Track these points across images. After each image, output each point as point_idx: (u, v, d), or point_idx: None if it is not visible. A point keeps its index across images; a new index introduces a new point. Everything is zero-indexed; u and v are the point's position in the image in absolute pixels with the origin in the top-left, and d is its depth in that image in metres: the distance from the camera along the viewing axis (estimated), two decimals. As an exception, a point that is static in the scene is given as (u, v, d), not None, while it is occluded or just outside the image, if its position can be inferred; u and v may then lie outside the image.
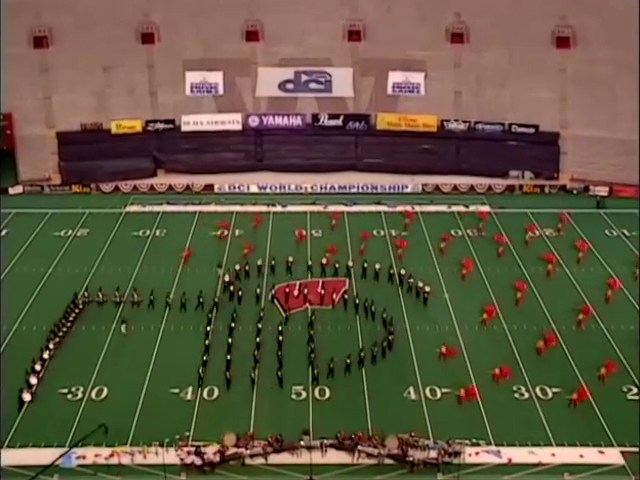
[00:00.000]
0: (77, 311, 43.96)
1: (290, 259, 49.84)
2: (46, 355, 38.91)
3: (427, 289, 46.39)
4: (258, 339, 41.01)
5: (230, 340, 40.64)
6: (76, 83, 68.15)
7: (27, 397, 35.92)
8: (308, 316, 43.93)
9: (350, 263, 49.80)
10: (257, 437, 33.12)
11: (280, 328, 41.90)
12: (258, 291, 46.14)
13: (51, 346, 39.71)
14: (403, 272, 48.42)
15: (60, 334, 41.36)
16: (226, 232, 55.36)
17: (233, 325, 42.36)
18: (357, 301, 44.98)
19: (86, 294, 45.44)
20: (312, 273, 49.23)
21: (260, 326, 42.37)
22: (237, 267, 48.63)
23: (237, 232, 56.45)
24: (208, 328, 42.65)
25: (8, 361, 39.43)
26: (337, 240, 54.36)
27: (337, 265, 49.58)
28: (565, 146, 67.39)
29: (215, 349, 40.53)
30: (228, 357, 38.93)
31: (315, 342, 40.80)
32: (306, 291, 46.49)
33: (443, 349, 39.72)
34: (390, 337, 40.85)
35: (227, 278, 47.25)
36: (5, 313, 44.03)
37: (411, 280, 47.45)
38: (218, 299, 45.46)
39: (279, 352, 39.58)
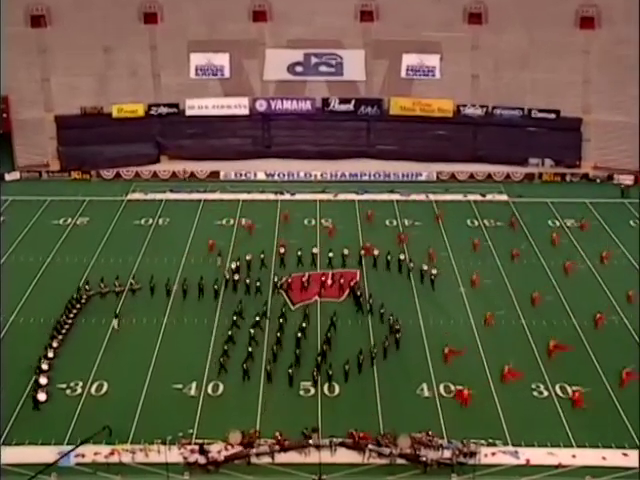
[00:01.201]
0: (79, 306, 43.75)
1: (299, 250, 49.70)
2: (51, 354, 38.77)
3: (433, 272, 46.65)
4: (265, 333, 40.97)
5: (252, 331, 40.72)
6: (75, 64, 68.04)
7: (42, 397, 35.87)
8: (317, 309, 43.79)
9: (362, 252, 50.06)
10: (262, 434, 33.13)
11: (286, 322, 41.91)
12: (264, 282, 45.93)
13: (55, 344, 39.60)
14: (411, 263, 48.54)
15: (63, 331, 41.23)
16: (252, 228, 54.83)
17: (242, 317, 42.44)
18: (360, 295, 44.82)
19: (87, 287, 45.34)
20: (321, 264, 49.09)
21: (267, 320, 42.32)
22: (247, 257, 48.42)
23: (243, 221, 56.39)
24: (229, 319, 42.73)
25: (5, 354, 39.50)
26: (348, 229, 54.22)
27: (346, 253, 49.68)
28: (588, 132, 66.88)
29: (220, 342, 40.54)
30: (250, 349, 38.98)
31: (324, 336, 40.65)
32: (315, 283, 46.37)
33: (446, 350, 39.31)
34: (397, 335, 40.53)
35: (233, 265, 47.23)
36: (1, 304, 44.09)
37: (411, 265, 48.00)
38: (218, 287, 45.52)
39: (275, 346, 39.54)
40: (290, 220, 56.05)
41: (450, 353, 39.14)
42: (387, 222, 56.39)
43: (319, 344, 40.02)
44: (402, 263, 48.77)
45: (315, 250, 50.17)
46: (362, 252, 50.07)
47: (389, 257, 49.03)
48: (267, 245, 51.20)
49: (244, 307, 43.60)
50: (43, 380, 36.70)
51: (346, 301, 45.10)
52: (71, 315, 42.75)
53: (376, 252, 49.47)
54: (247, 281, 45.88)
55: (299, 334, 40.43)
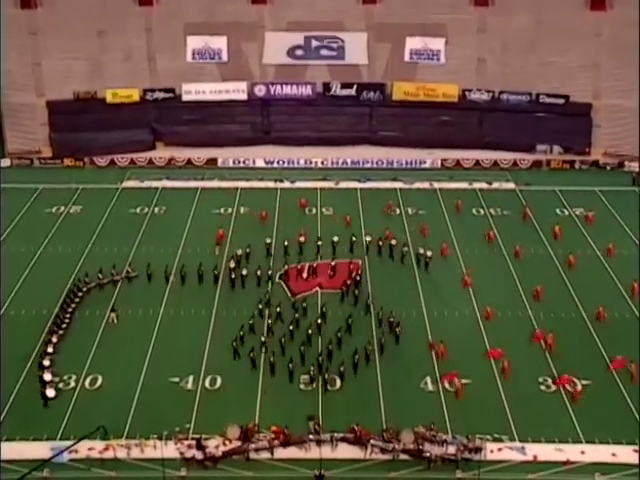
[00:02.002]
0: (77, 300, 43.45)
1: (301, 239, 49.55)
2: (51, 349, 38.56)
3: (429, 254, 47.20)
4: (264, 325, 40.94)
5: (270, 321, 40.88)
6: (68, 48, 67.88)
7: (51, 393, 35.75)
8: (317, 300, 43.71)
9: (368, 238, 50.10)
10: (262, 428, 33.13)
11: (285, 313, 41.94)
12: (263, 273, 45.84)
13: (55, 340, 39.37)
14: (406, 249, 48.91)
15: (64, 326, 40.99)
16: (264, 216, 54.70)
17: (268, 306, 42.62)
18: (358, 287, 44.75)
19: (86, 279, 45.08)
20: (322, 254, 48.97)
21: (267, 311, 42.30)
22: (247, 249, 48.31)
23: (242, 210, 56.23)
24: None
25: (-3, 346, 39.52)
26: (350, 218, 54.16)
27: (353, 239, 49.73)
28: (598, 118, 66.75)
29: (218, 335, 40.58)
30: (262, 339, 39.08)
31: (324, 329, 40.59)
32: (316, 273, 46.32)
33: (440, 347, 39.08)
34: (397, 329, 40.32)
35: (239, 252, 47.09)
36: (-4, 295, 44.13)
37: (405, 249, 48.46)
38: (217, 277, 45.60)
39: (283, 339, 39.46)
40: (306, 208, 56.06)
41: (439, 350, 38.89)
42: (390, 211, 56.16)
43: (320, 338, 39.96)
44: (405, 253, 48.75)
45: (318, 240, 49.99)
46: (367, 240, 49.97)
47: (393, 246, 49.10)
48: (266, 235, 51.03)
49: (242, 299, 43.51)
50: (47, 376, 36.50)
51: (348, 292, 44.92)
52: (69, 309, 42.48)
53: (394, 242, 49.51)
54: (243, 272, 45.61)
55: (291, 327, 40.46)
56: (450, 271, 47.44)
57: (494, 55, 69.55)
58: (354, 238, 49.97)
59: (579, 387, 36.56)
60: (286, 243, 49.38)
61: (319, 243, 49.64)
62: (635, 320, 42.38)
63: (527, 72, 68.23)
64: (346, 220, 53.34)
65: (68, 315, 41.91)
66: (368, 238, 50.11)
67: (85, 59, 68.40)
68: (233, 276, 45.62)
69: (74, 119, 66.46)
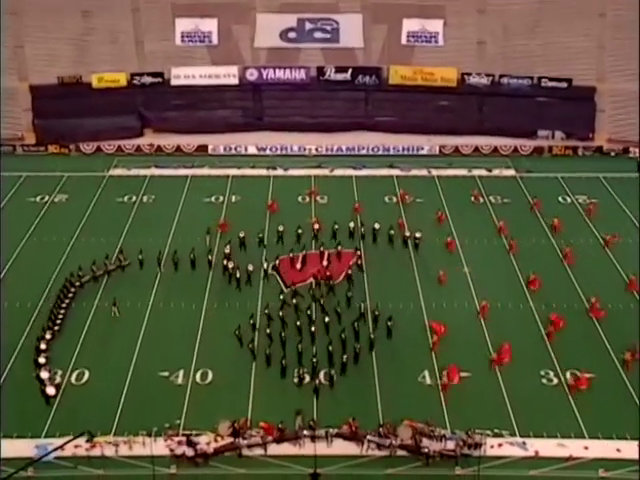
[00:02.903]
0: (71, 295, 42.92)
1: (298, 229, 49.38)
2: (44, 346, 38.20)
3: (417, 235, 47.83)
4: (257, 317, 40.89)
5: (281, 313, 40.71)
6: (51, 29, 67.56)
7: (51, 391, 35.56)
8: (312, 291, 43.62)
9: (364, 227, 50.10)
10: (254, 424, 33.16)
11: (278, 304, 41.87)
12: (256, 264, 45.65)
13: (48, 336, 39.00)
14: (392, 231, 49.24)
15: (58, 321, 40.60)
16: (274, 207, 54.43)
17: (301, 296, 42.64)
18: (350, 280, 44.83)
19: (80, 273, 44.67)
20: (317, 243, 48.90)
21: (259, 303, 42.24)
22: (240, 238, 48.21)
23: (234, 198, 56.07)
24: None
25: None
26: (344, 207, 54.01)
27: (352, 228, 49.78)
28: (602, 102, 66.63)
29: (209, 327, 40.52)
30: (268, 331, 39.01)
31: (319, 321, 40.48)
32: (310, 263, 46.23)
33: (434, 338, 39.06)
34: (389, 323, 40.21)
35: (227, 250, 46.78)
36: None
37: (392, 232, 48.79)
38: (210, 267, 45.62)
39: (282, 333, 39.41)
40: (317, 197, 55.90)
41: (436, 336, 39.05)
42: (386, 199, 56.09)
43: (314, 330, 39.74)
44: (407, 239, 49.07)
45: (315, 227, 49.99)
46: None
47: (391, 233, 49.19)
48: (259, 225, 50.95)
49: (235, 292, 43.53)
50: (44, 374, 36.23)
51: (342, 283, 44.91)
52: (64, 305, 42.02)
53: (377, 226, 49.72)
54: (235, 264, 45.42)
55: (284, 319, 40.45)
56: (449, 260, 47.36)
57: (494, 37, 69.33)
58: (351, 225, 49.83)
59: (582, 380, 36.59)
60: (317, 227, 49.72)
61: (313, 230, 49.59)
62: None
63: (528, 55, 68.05)
64: (355, 207, 53.28)
65: (62, 311, 41.48)
66: (365, 227, 49.95)
67: (69, 42, 67.97)
68: (225, 267, 45.50)
69: (59, 104, 65.97)
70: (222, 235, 49.71)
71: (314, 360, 37.19)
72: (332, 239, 48.96)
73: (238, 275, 44.45)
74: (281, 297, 42.75)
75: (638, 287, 44.24)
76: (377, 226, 49.58)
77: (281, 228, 49.34)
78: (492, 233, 50.93)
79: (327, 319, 40.33)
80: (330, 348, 37.87)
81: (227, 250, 46.45)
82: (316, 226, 49.95)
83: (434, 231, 50.60)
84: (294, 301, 42.03)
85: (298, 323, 40.05)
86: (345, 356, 37.37)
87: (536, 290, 44.02)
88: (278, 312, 40.99)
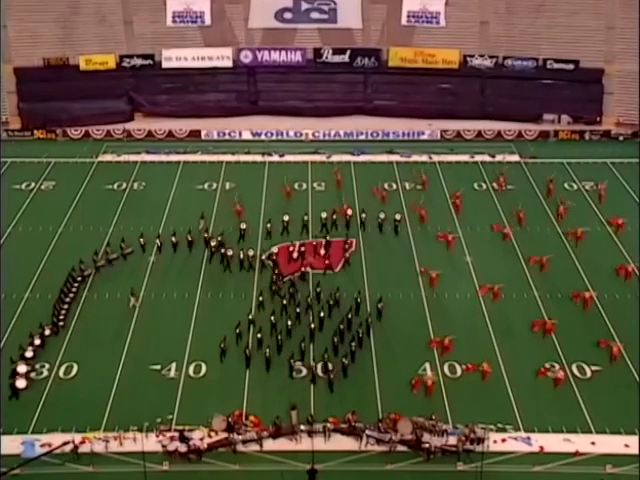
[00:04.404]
0: (74, 290, 42.66)
1: (286, 217, 49.22)
2: (38, 341, 38.03)
3: (397, 217, 48.68)
4: (251, 308, 40.92)
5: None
6: (36, 8, 67.15)
7: (22, 384, 35.39)
8: (308, 281, 43.64)
9: (364, 216, 50.03)
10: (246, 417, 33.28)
11: (274, 295, 42.05)
12: (251, 253, 45.60)
13: (47, 332, 38.75)
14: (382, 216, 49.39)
15: (61, 317, 40.28)
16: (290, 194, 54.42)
17: (221, 294, 42.49)
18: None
19: (82, 266, 44.36)
20: (312, 232, 48.89)
21: (254, 294, 42.18)
22: (238, 227, 48.19)
23: (227, 185, 56.00)
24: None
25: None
26: (341, 194, 54.07)
27: (348, 218, 49.72)
28: (610, 85, 66.47)
29: (203, 318, 40.56)
30: (259, 335, 38.30)
31: (316, 311, 40.51)
32: (307, 253, 46.17)
33: (446, 340, 38.47)
34: (379, 305, 40.56)
35: (214, 243, 46.52)
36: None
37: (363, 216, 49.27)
38: (211, 249, 45.70)
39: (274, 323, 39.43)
40: (342, 184, 55.64)
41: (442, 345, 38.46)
42: (386, 185, 55.98)
43: (311, 321, 39.80)
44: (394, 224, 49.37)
45: (306, 217, 49.82)
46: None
47: (396, 223, 49.34)
48: (253, 213, 50.95)
49: (229, 282, 43.50)
50: (22, 368, 36.13)
51: (341, 273, 44.85)
52: (67, 299, 41.69)
53: (398, 216, 49.63)
54: (229, 253, 45.25)
55: (280, 310, 40.60)
56: (450, 249, 47.47)
57: (498, 17, 69.04)
58: (349, 213, 49.79)
59: (589, 374, 36.77)
60: (350, 213, 49.88)
61: (307, 219, 49.49)
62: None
63: (534, 35, 67.83)
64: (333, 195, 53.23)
65: (66, 306, 41.23)
66: (363, 215, 49.90)
67: (55, 22, 67.49)
68: (218, 256, 45.43)
69: (45, 87, 65.76)
70: (240, 220, 49.44)
71: (311, 344, 37.57)
72: (321, 228, 48.94)
73: (230, 253, 44.83)
74: (275, 287, 42.76)
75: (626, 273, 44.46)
76: (382, 216, 49.40)
77: (286, 218, 49.01)
78: (495, 220, 50.79)
79: (324, 310, 40.36)
80: (332, 340, 38.02)
81: (214, 244, 46.15)
82: (349, 212, 49.92)
83: (434, 219, 50.56)
84: (290, 291, 42.02)
85: (293, 314, 40.07)
86: (345, 355, 37.28)
87: (537, 264, 44.45)
88: (274, 303, 41.10)
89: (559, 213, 51.16)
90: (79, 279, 43.53)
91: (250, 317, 39.96)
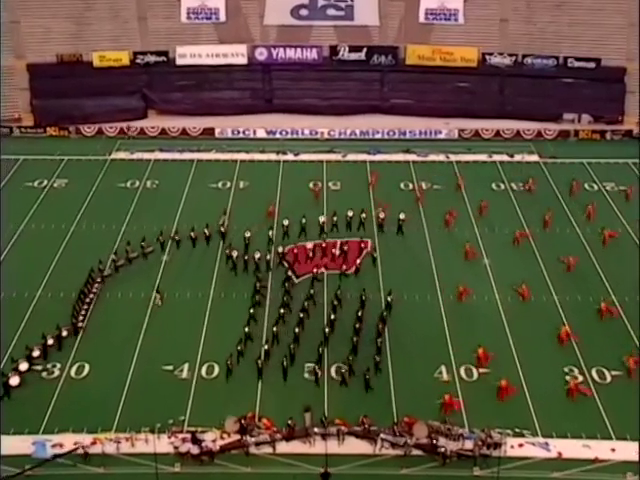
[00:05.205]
0: (95, 290, 42.68)
1: (303, 218, 49.13)
2: (51, 341, 37.99)
3: (401, 216, 48.37)
4: (265, 310, 41.00)
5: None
6: (50, 4, 67.43)
7: (15, 381, 35.47)
8: (323, 282, 43.64)
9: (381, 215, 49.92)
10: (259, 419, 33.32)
11: (288, 296, 41.94)
12: (263, 253, 45.58)
13: (65, 333, 38.72)
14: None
15: (80, 318, 40.27)
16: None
17: (234, 294, 42.46)
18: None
19: (100, 267, 44.43)
20: (329, 232, 48.82)
21: (267, 294, 42.28)
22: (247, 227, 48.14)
23: (241, 184, 56.02)
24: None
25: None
26: (357, 193, 53.96)
27: (363, 218, 49.60)
28: (632, 84, 66.20)
29: (216, 318, 40.62)
30: (266, 347, 37.86)
31: (330, 313, 40.42)
32: (322, 253, 46.20)
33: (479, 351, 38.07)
34: (389, 298, 40.87)
35: (247, 234, 46.62)
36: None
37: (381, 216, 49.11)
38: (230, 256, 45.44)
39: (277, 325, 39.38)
40: (377, 183, 55.55)
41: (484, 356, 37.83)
42: (402, 185, 55.91)
43: (325, 322, 39.86)
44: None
45: (322, 217, 49.74)
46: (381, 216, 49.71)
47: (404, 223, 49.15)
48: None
49: (241, 283, 43.46)
50: (23, 366, 36.33)
51: (355, 274, 44.82)
52: (87, 300, 41.74)
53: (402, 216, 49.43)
54: (239, 253, 45.40)
55: (295, 311, 40.52)
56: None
57: (518, 14, 68.82)
58: (363, 215, 49.72)
59: (609, 379, 36.53)
60: (382, 216, 49.66)
61: (322, 219, 49.38)
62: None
63: (554, 33, 67.60)
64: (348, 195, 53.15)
65: (85, 307, 41.26)
66: (381, 215, 49.76)
67: (69, 18, 67.80)
68: (232, 256, 45.39)
69: (58, 84, 66.15)
70: (271, 220, 49.55)
71: (325, 345, 37.59)
72: (347, 229, 49.02)
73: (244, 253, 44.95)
74: (289, 287, 42.79)
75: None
76: (402, 216, 49.22)
77: (382, 215, 49.16)
78: (514, 221, 50.63)
79: (338, 311, 40.36)
80: (350, 340, 38.06)
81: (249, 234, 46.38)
82: (381, 215, 49.65)
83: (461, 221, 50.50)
84: (310, 292, 42.09)
85: (308, 315, 40.08)
86: (350, 357, 37.22)
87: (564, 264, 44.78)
88: (284, 301, 41.21)
89: (588, 213, 50.88)
90: (99, 280, 43.57)
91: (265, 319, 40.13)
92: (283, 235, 48.10)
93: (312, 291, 42.30)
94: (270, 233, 47.62)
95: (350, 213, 49.43)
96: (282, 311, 40.35)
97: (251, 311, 40.35)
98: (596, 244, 47.96)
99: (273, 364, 37.21)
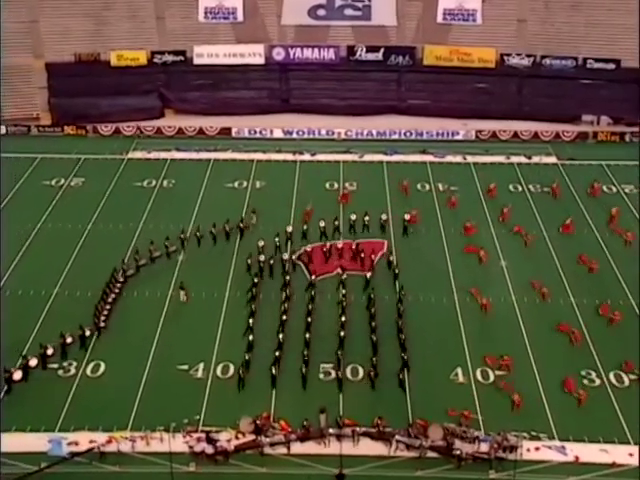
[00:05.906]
0: (117, 291, 42.75)
1: (320, 222, 49.01)
2: (70, 339, 38.07)
3: (406, 217, 48.28)
4: (280, 309, 40.95)
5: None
6: (68, 4, 67.69)
7: (17, 375, 35.69)
8: (338, 283, 43.53)
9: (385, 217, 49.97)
10: (276, 421, 33.34)
11: (304, 296, 42.03)
12: (277, 255, 45.74)
13: (87, 333, 38.80)
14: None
15: (102, 318, 40.26)
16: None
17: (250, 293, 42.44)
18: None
19: (124, 267, 44.58)
20: (344, 233, 48.90)
21: (283, 295, 42.26)
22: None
23: (258, 184, 56.13)
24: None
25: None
26: (374, 194, 53.97)
27: (383, 220, 49.65)
28: (652, 85, 65.63)
29: (231, 318, 40.73)
30: (277, 354, 37.53)
31: (346, 314, 40.46)
32: (338, 254, 46.17)
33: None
34: (402, 293, 41.02)
35: (260, 243, 46.37)
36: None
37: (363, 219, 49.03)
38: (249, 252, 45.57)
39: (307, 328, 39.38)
40: (409, 190, 54.91)
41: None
42: (419, 186, 55.82)
43: (340, 322, 39.76)
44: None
45: (337, 219, 49.80)
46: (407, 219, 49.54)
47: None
48: (284, 212, 51.09)
49: (259, 284, 43.54)
50: (33, 362, 36.47)
51: (373, 275, 44.71)
52: (109, 300, 41.84)
53: (407, 216, 49.48)
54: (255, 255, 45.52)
55: (310, 311, 40.58)
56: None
57: (536, 15, 68.49)
58: (383, 216, 49.64)
59: (627, 382, 36.31)
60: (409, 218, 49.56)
61: (337, 222, 49.35)
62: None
63: (573, 34, 67.21)
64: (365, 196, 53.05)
65: (108, 307, 41.35)
66: (407, 217, 49.51)
67: (87, 17, 68.02)
68: (259, 260, 45.26)
69: (75, 83, 66.38)
70: (307, 223, 49.24)
71: (341, 346, 37.58)
72: (363, 230, 49.02)
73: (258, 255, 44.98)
74: (306, 288, 42.85)
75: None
76: (407, 217, 49.21)
77: (322, 224, 48.42)
78: (532, 224, 50.42)
79: (350, 313, 40.39)
80: (369, 339, 38.20)
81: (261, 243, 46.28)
82: (407, 216, 49.33)
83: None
84: (324, 287, 42.41)
85: (323, 315, 40.13)
86: (374, 358, 37.22)
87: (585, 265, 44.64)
88: (307, 304, 41.21)
89: (612, 215, 50.64)
90: (121, 280, 43.68)
91: (283, 318, 40.10)
92: (301, 236, 48.15)
93: (324, 291, 42.25)
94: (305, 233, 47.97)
95: (366, 214, 49.40)
96: (309, 320, 39.99)
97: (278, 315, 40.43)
98: (615, 246, 47.67)
99: (288, 364, 37.23)
